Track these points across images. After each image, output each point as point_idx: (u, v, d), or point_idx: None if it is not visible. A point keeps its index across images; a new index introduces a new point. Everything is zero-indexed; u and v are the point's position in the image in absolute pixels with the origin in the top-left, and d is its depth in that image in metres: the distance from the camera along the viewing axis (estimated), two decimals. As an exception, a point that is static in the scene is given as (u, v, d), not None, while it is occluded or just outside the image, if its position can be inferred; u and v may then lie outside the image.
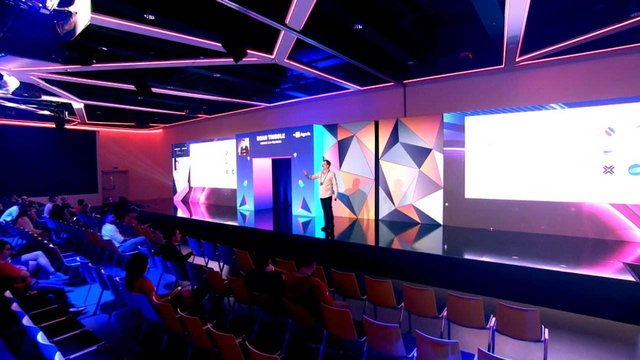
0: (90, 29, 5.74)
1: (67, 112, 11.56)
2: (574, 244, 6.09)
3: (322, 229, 7.53)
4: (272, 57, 6.98)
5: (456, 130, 7.84)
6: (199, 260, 6.53)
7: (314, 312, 3.27)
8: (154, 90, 9.22)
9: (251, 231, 8.39)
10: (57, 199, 10.32)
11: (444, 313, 3.45)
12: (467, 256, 5.53)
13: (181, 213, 12.04)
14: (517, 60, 7.07)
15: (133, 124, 15.44)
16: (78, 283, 5.51)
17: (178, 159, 15.56)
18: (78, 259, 5.38)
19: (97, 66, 7.33)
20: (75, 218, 9.06)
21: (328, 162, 7.66)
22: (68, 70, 7.59)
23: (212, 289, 4.37)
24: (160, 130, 18.29)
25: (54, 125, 11.98)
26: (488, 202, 7.52)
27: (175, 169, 15.68)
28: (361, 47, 6.65)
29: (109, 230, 6.37)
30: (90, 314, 4.59)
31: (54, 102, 10.69)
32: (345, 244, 6.61)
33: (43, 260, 5.18)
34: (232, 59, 5.85)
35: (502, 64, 7.40)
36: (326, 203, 7.56)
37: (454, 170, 7.88)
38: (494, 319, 3.28)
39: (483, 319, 3.25)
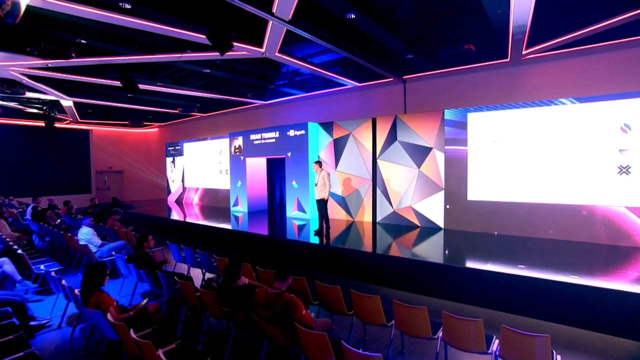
0: (65, 19, 5.44)
1: (56, 110, 11.21)
2: (586, 251, 5.62)
3: (315, 233, 7.09)
4: (262, 50, 6.58)
5: (458, 128, 7.37)
6: (182, 267, 6.13)
7: (289, 332, 2.85)
8: (142, 87, 8.89)
9: (238, 235, 7.95)
10: (41, 199, 9.97)
11: (440, 333, 3.02)
12: (469, 264, 5.10)
13: (171, 214, 11.65)
14: (524, 52, 6.63)
15: (126, 122, 15.09)
16: (48, 292, 5.12)
17: (175, 159, 15.15)
18: (42, 267, 4.98)
19: (78, 60, 6.99)
20: (59, 220, 8.70)
21: (318, 163, 7.28)
22: (49, 65, 7.23)
23: (185, 301, 3.97)
24: (156, 129, 17.95)
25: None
26: (492, 204, 7.04)
27: (173, 169, 15.21)
28: (356, 39, 6.24)
29: (85, 234, 5.97)
30: (54, 327, 4.21)
31: (41, 99, 10.36)
32: (337, 249, 6.16)
33: (8, 267, 4.78)
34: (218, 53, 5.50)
35: (507, 57, 6.97)
36: (321, 205, 7.15)
37: (456, 171, 7.42)
38: (497, 341, 2.84)
39: (484, 342, 2.81)
